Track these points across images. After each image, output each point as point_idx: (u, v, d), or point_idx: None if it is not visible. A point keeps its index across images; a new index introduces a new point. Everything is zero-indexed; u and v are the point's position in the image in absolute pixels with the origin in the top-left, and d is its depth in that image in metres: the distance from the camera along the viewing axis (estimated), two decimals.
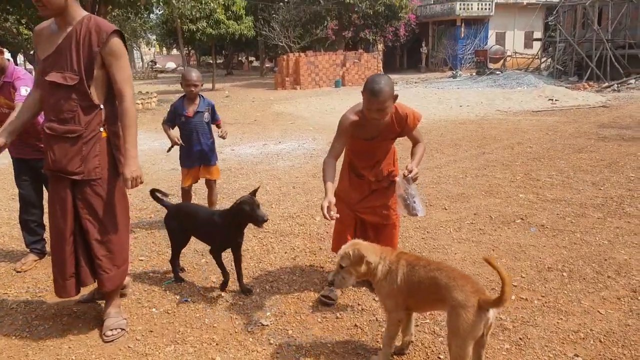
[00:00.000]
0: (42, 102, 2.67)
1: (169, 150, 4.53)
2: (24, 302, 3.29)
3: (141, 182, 2.67)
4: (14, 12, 17.94)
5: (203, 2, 15.84)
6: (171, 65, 54.17)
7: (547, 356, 2.51)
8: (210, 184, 4.55)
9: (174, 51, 51.88)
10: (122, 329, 2.84)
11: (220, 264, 3.30)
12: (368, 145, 3.06)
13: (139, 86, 27.31)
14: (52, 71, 2.50)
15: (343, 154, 3.12)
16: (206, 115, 4.28)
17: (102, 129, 2.62)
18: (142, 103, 15.91)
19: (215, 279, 3.55)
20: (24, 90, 3.50)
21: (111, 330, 2.80)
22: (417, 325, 2.81)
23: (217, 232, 3.27)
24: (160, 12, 21.85)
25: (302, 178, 6.36)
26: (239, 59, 55.53)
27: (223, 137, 4.35)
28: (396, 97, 2.81)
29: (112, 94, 2.65)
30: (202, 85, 4.23)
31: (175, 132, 4.33)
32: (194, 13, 16.65)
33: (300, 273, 3.61)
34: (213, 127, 4.43)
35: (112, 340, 2.78)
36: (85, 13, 2.56)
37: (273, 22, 26.69)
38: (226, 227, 3.20)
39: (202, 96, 4.29)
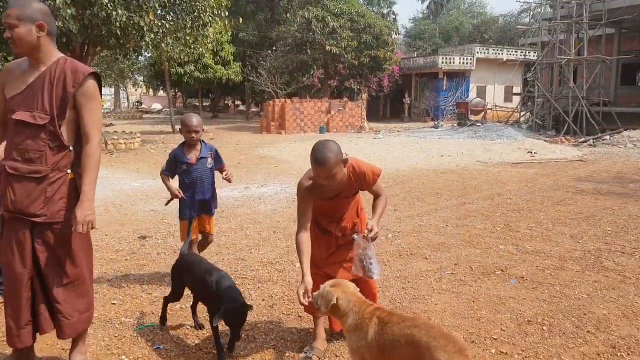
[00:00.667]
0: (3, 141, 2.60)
1: (167, 203, 4.22)
2: None
3: (92, 227, 2.55)
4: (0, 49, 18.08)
5: (192, 47, 16.15)
6: (157, 106, 54.55)
7: None
8: (206, 236, 4.21)
9: (161, 92, 52.33)
10: None
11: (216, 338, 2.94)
12: (330, 204, 2.99)
13: (123, 126, 27.33)
14: (20, 110, 2.44)
15: None
16: (209, 160, 4.02)
17: (69, 171, 2.55)
18: (125, 143, 15.86)
19: (190, 325, 3.44)
20: None
21: None
22: None
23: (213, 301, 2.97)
24: (149, 54, 22.17)
25: (284, 222, 6.32)
26: (225, 102, 56.25)
27: (229, 180, 4.15)
28: (346, 161, 2.74)
29: (80, 136, 2.57)
30: (203, 131, 4.00)
31: (174, 182, 4.06)
32: (182, 57, 16.94)
33: (277, 322, 3.52)
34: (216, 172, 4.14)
35: None
36: (60, 55, 2.53)
37: (260, 69, 27.31)
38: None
39: (203, 141, 4.05)
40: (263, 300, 3.90)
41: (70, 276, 2.58)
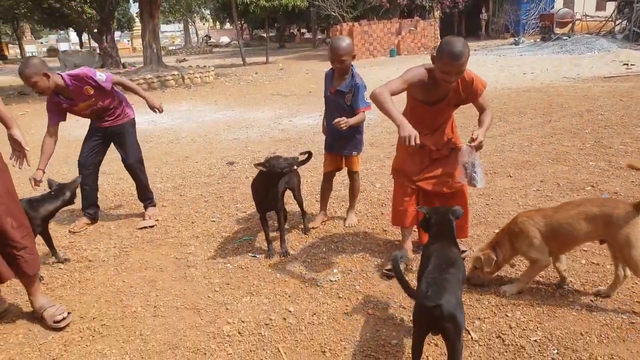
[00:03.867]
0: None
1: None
2: (112, 255, 3.60)
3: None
4: None
5: None
6: (225, 39, 54.90)
7: (621, 318, 2.48)
8: (350, 175, 3.94)
9: (227, 25, 52.39)
10: (68, 312, 2.73)
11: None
12: (430, 111, 2.98)
13: (195, 60, 27.99)
14: None
15: None
16: (348, 97, 3.49)
17: None
18: (200, 77, 16.34)
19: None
20: (99, 75, 3.78)
21: (59, 316, 2.67)
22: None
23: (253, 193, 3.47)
24: None
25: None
26: (291, 31, 55.43)
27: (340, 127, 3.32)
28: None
29: None
30: (353, 57, 3.43)
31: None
32: None
33: (363, 235, 3.71)
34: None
35: (67, 324, 2.68)
36: None
37: None
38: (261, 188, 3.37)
39: (355, 74, 3.50)
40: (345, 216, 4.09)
41: (17, 212, 2.55)
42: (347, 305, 2.77)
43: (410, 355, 2.03)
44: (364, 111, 3.48)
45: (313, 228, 3.89)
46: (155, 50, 17.17)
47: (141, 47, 18.09)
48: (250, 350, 2.42)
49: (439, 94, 2.88)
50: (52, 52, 53.13)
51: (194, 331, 2.60)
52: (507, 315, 2.56)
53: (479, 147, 2.79)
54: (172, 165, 6.05)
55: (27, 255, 2.57)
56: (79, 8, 28.25)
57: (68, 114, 3.93)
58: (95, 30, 31.31)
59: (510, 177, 4.73)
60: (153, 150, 6.84)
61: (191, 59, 31.60)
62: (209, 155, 6.49)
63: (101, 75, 3.79)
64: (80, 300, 2.98)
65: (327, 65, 3.66)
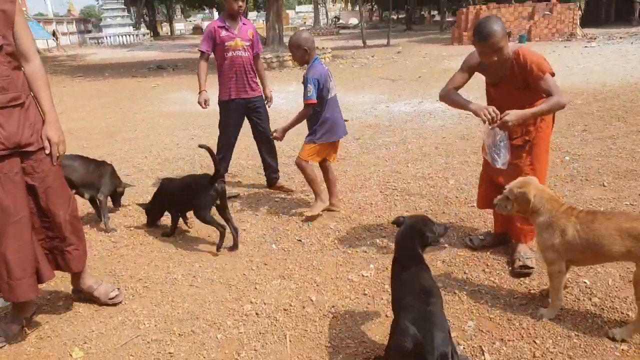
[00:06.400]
0: None
1: None
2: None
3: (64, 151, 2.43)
4: None
5: None
6: (354, 21, 55.04)
7: None
8: None
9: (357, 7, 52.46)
10: (118, 288, 2.81)
11: None
12: (495, 93, 2.95)
13: (319, 42, 28.44)
14: None
15: None
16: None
17: (31, 93, 2.35)
18: None
19: (333, 226, 3.73)
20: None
21: (112, 293, 2.75)
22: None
23: None
24: None
25: (449, 139, 6.08)
26: (422, 13, 53.84)
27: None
28: (509, 34, 2.69)
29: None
30: (305, 51, 3.67)
31: None
32: None
33: None
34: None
35: (120, 301, 2.76)
36: None
37: None
38: None
39: (311, 66, 3.71)
40: (407, 211, 3.95)
41: (69, 204, 2.47)
42: (368, 304, 2.71)
43: None
44: (306, 103, 3.62)
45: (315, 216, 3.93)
46: (277, 31, 17.92)
47: None
48: (260, 333, 2.50)
49: (494, 74, 2.86)
50: (197, 29, 58.11)
51: (218, 305, 2.76)
52: (535, 342, 2.31)
53: (502, 127, 2.66)
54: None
55: (75, 252, 2.51)
56: None
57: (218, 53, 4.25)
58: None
59: (604, 186, 4.16)
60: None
61: (317, 39, 32.21)
62: (295, 137, 6.64)
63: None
64: (135, 261, 3.32)
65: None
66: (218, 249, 3.35)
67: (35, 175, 2.30)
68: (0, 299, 2.84)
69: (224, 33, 4.16)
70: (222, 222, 3.43)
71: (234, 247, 3.40)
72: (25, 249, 2.28)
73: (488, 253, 3.18)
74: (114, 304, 2.77)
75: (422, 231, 2.14)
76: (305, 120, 3.79)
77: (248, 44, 4.24)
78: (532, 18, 20.85)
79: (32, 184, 2.30)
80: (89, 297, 2.77)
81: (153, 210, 3.81)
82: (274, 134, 3.84)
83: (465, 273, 2.97)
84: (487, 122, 2.70)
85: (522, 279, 2.85)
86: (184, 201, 3.52)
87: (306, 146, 3.77)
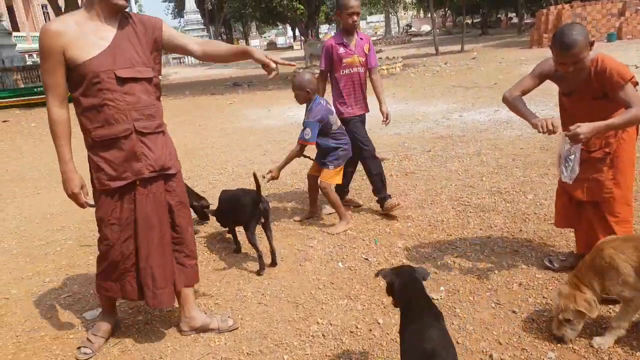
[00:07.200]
0: None
1: None
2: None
3: None
4: None
5: None
6: (426, 28, 54.33)
7: None
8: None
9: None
10: (229, 317, 2.82)
11: None
12: (570, 103, 2.75)
13: (390, 51, 28.30)
14: (120, 68, 2.26)
15: None
16: None
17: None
18: (387, 68, 16.60)
19: (401, 244, 3.65)
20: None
21: (230, 322, 2.77)
22: None
23: None
24: None
25: (527, 150, 5.75)
26: (498, 16, 51.86)
27: None
28: (592, 43, 2.48)
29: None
30: (307, 92, 3.85)
31: None
32: None
33: (489, 252, 3.39)
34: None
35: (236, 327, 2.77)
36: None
37: None
38: None
39: (310, 108, 3.92)
40: (481, 229, 3.78)
41: (191, 220, 2.70)
42: None
43: None
44: (300, 143, 3.83)
45: (300, 221, 4.29)
46: None
47: None
48: (326, 355, 2.48)
49: (569, 84, 2.68)
50: (271, 45, 60.11)
51: (286, 325, 2.77)
52: None
53: (574, 140, 2.44)
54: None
55: (195, 267, 2.71)
56: (290, 5, 31.41)
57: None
58: (304, 25, 34.42)
59: None
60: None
61: (388, 49, 32.16)
62: None
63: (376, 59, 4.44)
64: (208, 277, 3.43)
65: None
66: (259, 272, 3.39)
67: (174, 194, 2.53)
68: (89, 312, 3.08)
69: (341, 50, 4.12)
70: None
71: (272, 264, 3.48)
72: (167, 262, 2.53)
73: None
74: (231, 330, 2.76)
75: (422, 277, 2.01)
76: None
77: (364, 59, 4.21)
78: (622, 14, 19.37)
79: (170, 203, 2.52)
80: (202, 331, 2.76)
81: (220, 220, 3.95)
82: (271, 174, 3.95)
83: (544, 297, 2.77)
84: (558, 133, 2.53)
85: (610, 306, 2.61)
86: (231, 215, 3.67)
87: (326, 171, 4.01)
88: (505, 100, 2.87)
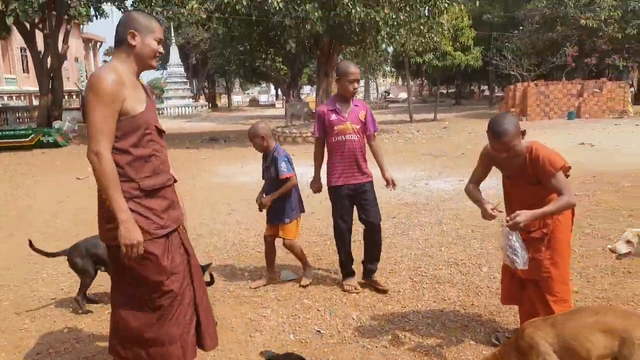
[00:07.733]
0: None
1: None
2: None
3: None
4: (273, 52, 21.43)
5: (426, 36, 16.17)
6: (403, 95, 56.53)
7: None
8: (285, 243, 4.22)
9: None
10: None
11: None
12: (510, 186, 2.93)
13: None
14: (155, 122, 2.40)
15: None
16: (272, 169, 4.06)
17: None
18: None
19: (356, 316, 3.61)
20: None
21: None
22: None
23: None
24: (385, 47, 23.14)
25: (486, 221, 5.87)
26: (471, 88, 54.49)
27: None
28: (524, 132, 2.67)
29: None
30: (263, 139, 3.99)
31: None
32: (416, 47, 17.15)
33: (440, 327, 3.39)
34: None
35: None
36: None
37: (505, 51, 25.46)
38: None
39: (274, 149, 4.06)
40: (434, 302, 3.80)
41: None
42: None
43: None
44: (287, 177, 3.95)
45: (256, 288, 4.18)
46: None
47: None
48: None
49: (509, 168, 2.85)
50: (253, 102, 61.31)
51: None
52: None
53: (513, 228, 2.58)
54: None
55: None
56: (273, 65, 32.50)
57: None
58: (286, 86, 35.47)
59: None
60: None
61: None
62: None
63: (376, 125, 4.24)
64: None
65: None
66: None
67: (186, 244, 2.54)
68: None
69: (333, 117, 3.95)
70: None
71: None
72: (190, 310, 2.45)
73: None
74: None
75: None
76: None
77: (359, 126, 3.99)
78: (581, 95, 20.62)
79: (188, 250, 2.55)
80: None
81: None
82: (263, 201, 4.05)
83: None
84: (500, 226, 2.67)
85: None
86: None
87: (288, 226, 4.08)
88: (466, 192, 3.10)
